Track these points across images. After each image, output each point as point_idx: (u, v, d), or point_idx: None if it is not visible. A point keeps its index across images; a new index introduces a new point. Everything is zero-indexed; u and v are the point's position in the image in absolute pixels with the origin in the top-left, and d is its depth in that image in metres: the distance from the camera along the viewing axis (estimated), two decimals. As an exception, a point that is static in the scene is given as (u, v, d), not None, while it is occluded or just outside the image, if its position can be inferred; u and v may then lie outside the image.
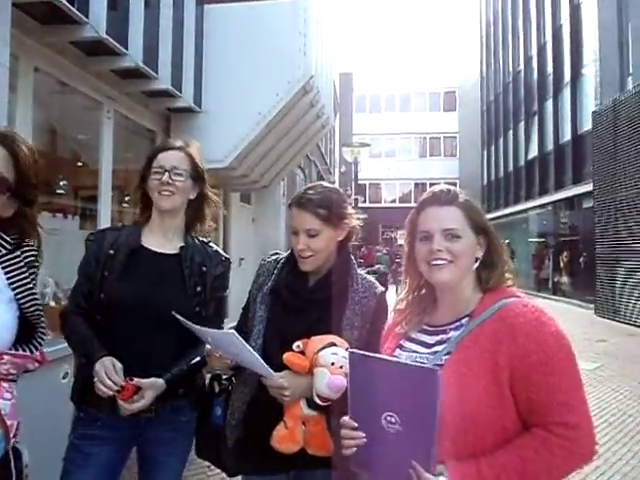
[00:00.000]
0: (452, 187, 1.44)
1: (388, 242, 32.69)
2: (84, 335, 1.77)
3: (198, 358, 1.82)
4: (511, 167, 24.06)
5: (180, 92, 5.24)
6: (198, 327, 1.60)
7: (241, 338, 1.49)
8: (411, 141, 38.62)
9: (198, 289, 1.85)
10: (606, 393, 6.15)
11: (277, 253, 1.89)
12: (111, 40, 3.92)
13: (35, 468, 1.57)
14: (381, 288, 1.78)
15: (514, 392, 1.23)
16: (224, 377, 1.86)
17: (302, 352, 1.55)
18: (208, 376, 1.96)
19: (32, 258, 1.51)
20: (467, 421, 1.21)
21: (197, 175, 1.92)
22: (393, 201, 37.76)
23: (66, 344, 1.90)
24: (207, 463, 2.04)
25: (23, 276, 1.47)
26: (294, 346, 1.55)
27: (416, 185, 37.14)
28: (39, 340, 1.50)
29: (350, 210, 1.77)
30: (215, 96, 5.72)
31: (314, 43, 6.18)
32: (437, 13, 42.85)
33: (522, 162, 22.38)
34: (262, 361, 1.53)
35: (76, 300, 1.84)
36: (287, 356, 1.54)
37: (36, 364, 1.46)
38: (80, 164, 5.34)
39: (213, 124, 5.71)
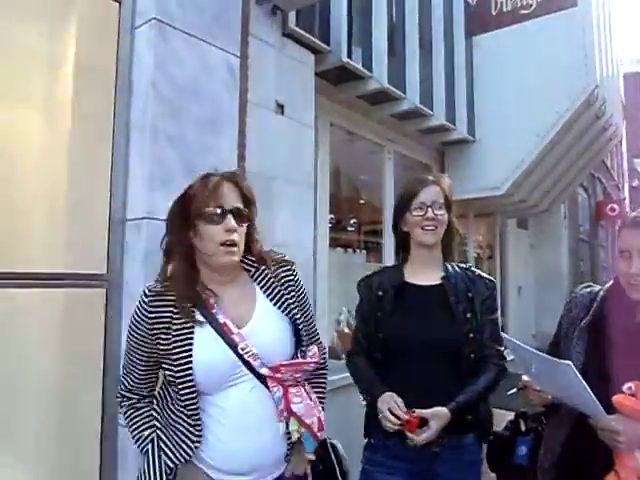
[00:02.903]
0: None
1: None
2: (365, 375, 1.92)
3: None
4: None
5: (454, 125, 5.36)
6: (526, 347, 1.53)
7: (577, 372, 1.37)
8: None
9: (468, 315, 1.85)
10: None
11: (590, 286, 1.75)
12: (392, 88, 4.27)
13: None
14: None
15: None
16: (530, 414, 1.79)
17: (633, 395, 1.37)
18: (503, 412, 1.91)
19: (285, 274, 1.61)
20: None
21: (449, 206, 1.96)
22: None
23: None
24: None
25: (277, 290, 1.57)
26: (624, 388, 1.37)
27: None
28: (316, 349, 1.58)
29: None
30: (488, 124, 5.67)
31: (596, 49, 5.64)
32: None
33: None
34: (596, 400, 1.39)
35: (359, 342, 1.99)
36: (618, 398, 1.37)
37: (311, 365, 1.53)
38: (362, 201, 5.88)
39: (487, 152, 5.65)
